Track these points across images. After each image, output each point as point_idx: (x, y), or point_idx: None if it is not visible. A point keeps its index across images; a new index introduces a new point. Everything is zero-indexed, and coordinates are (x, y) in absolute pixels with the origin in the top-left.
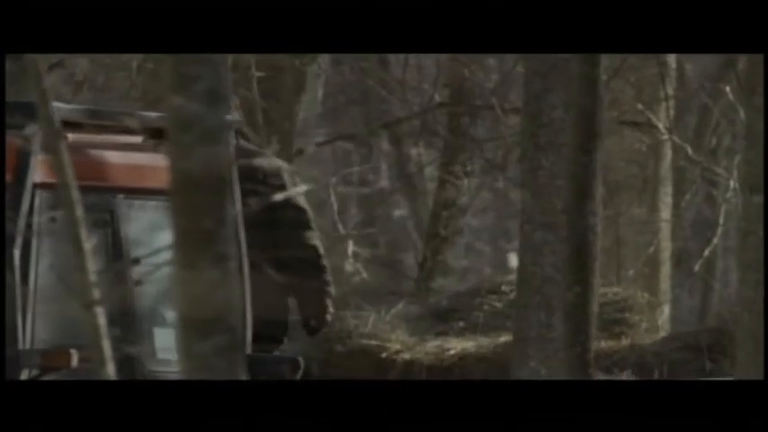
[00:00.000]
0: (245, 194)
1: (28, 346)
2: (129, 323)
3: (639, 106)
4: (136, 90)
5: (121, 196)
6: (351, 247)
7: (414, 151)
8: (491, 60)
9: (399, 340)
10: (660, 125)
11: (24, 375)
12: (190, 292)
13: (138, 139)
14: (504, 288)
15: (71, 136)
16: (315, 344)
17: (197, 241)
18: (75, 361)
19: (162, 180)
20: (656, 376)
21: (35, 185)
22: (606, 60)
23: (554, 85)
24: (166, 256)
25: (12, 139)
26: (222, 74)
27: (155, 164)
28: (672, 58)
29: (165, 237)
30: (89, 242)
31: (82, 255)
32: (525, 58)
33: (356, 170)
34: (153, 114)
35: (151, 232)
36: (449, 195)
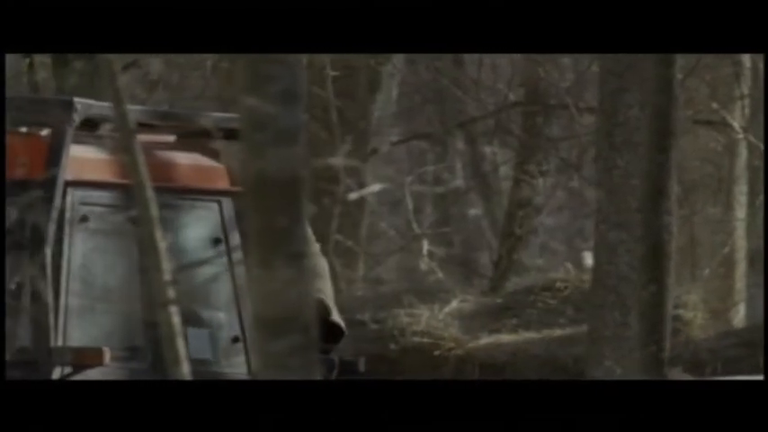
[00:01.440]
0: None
1: (60, 343)
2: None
3: (714, 105)
4: (210, 90)
5: (154, 194)
6: (426, 246)
7: (488, 150)
8: (566, 59)
9: (453, 338)
10: (735, 124)
11: (56, 373)
12: (264, 291)
13: (171, 138)
14: (558, 285)
15: (104, 134)
16: (367, 342)
17: (271, 240)
18: (107, 359)
19: (196, 179)
20: (707, 373)
21: (67, 183)
22: (681, 60)
23: (629, 85)
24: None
25: (43, 136)
26: (297, 74)
27: (189, 163)
28: (746, 58)
29: (197, 235)
30: (164, 242)
31: (157, 254)
32: (600, 58)
33: (431, 169)
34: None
35: (184, 230)
36: (524, 194)
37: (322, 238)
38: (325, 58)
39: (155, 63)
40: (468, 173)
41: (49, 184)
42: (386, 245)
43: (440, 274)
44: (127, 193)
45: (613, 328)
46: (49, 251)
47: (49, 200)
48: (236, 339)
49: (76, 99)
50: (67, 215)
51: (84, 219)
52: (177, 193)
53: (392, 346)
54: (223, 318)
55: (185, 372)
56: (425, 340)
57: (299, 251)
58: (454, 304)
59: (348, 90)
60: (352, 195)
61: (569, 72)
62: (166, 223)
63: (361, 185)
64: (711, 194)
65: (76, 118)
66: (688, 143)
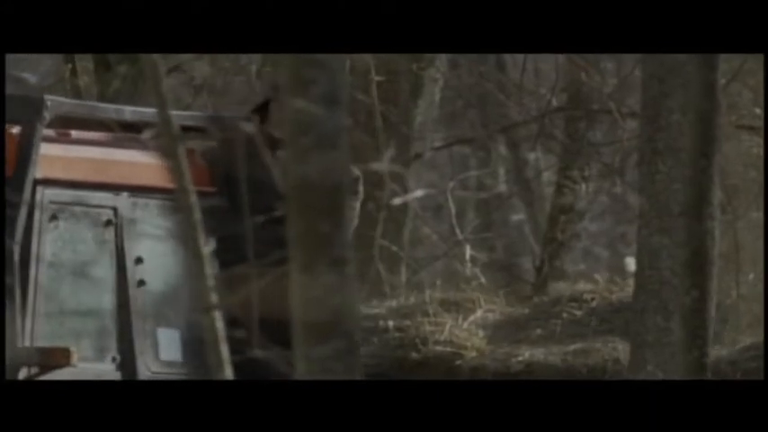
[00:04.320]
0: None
1: (27, 343)
2: (128, 323)
3: (757, 111)
4: (255, 94)
5: (125, 194)
6: (468, 252)
7: (531, 156)
8: (609, 64)
9: (475, 347)
10: None
11: (23, 373)
12: (306, 296)
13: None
14: (585, 296)
15: (74, 132)
16: (389, 349)
17: (314, 245)
18: (74, 359)
19: (168, 179)
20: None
21: (36, 181)
22: (724, 64)
23: (672, 90)
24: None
25: (11, 133)
26: (340, 78)
27: (161, 162)
28: None
29: (169, 235)
30: (208, 247)
31: (200, 259)
32: (643, 62)
33: (474, 174)
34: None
35: (156, 231)
36: (566, 200)
37: (366, 244)
38: (369, 63)
39: (199, 67)
40: (511, 178)
41: (18, 182)
42: (429, 250)
43: (482, 280)
44: (98, 193)
45: (655, 333)
46: (17, 250)
47: (17, 198)
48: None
49: (47, 96)
50: (36, 214)
51: (53, 218)
52: (149, 193)
53: (413, 355)
54: (194, 319)
55: (229, 376)
56: (447, 349)
57: (341, 256)
58: (479, 314)
59: (390, 95)
60: (396, 200)
61: (612, 77)
62: (139, 223)
63: (405, 190)
64: (754, 199)
65: (47, 115)
66: (731, 148)
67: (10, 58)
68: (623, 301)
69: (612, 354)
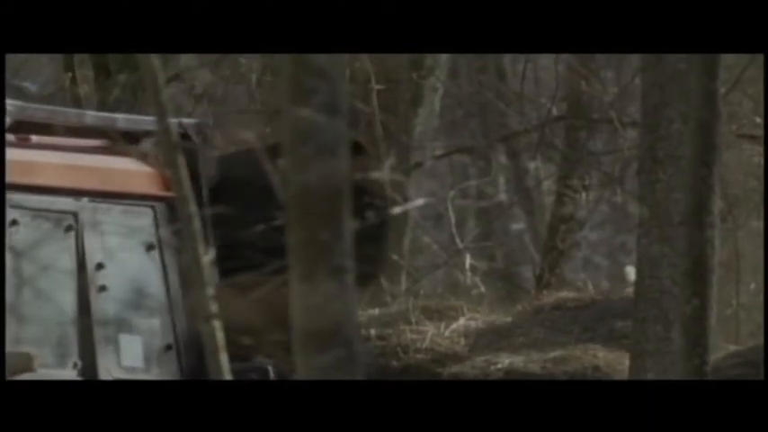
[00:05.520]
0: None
1: None
2: (90, 329)
3: (758, 120)
4: (255, 103)
5: (86, 199)
6: (468, 261)
7: (531, 165)
8: (609, 73)
9: (456, 355)
10: None
11: None
12: (306, 305)
13: (104, 142)
14: (569, 304)
15: (35, 137)
16: (370, 358)
17: (314, 253)
18: (35, 365)
19: (130, 184)
20: None
21: None
22: (725, 73)
23: (672, 99)
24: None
25: None
26: (340, 87)
27: (122, 167)
28: None
29: (130, 240)
30: (208, 256)
31: (199, 269)
32: (643, 70)
33: (474, 183)
34: (125, 117)
35: (117, 236)
36: (566, 209)
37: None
38: (369, 72)
39: (200, 76)
40: (511, 187)
41: None
42: (429, 259)
43: (482, 289)
44: (59, 198)
45: (656, 342)
46: None
47: None
48: (168, 347)
49: (8, 101)
50: None
51: (13, 223)
52: (110, 198)
53: (394, 363)
54: (156, 325)
55: None
56: (428, 357)
57: (340, 265)
58: (461, 321)
59: (390, 104)
60: (396, 210)
61: (612, 86)
62: (100, 228)
63: (405, 200)
64: (755, 208)
65: (7, 120)
66: (731, 157)
67: (10, 65)
68: (608, 309)
69: (593, 361)
